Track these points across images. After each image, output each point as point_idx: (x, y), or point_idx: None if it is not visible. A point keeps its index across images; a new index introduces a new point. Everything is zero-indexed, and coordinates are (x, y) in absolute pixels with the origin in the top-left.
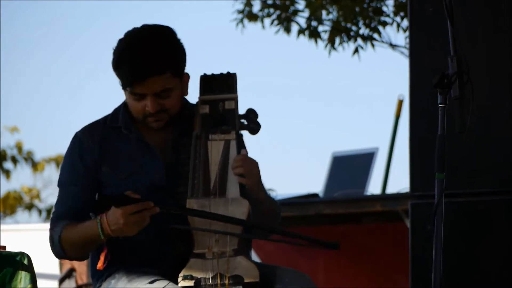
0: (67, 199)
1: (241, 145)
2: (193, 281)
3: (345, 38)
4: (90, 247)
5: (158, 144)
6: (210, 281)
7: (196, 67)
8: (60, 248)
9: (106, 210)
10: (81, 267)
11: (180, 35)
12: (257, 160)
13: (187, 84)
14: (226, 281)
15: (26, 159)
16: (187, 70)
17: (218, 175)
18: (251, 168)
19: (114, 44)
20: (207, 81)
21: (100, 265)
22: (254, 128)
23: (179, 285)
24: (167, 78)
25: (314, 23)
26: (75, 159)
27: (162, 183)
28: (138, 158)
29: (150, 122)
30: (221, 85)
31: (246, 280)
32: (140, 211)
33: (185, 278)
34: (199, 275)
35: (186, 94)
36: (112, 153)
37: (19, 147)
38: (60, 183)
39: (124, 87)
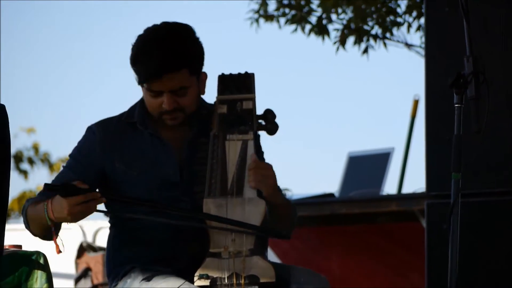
0: (57, 179)
1: (258, 146)
2: (209, 280)
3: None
4: (41, 228)
5: (174, 142)
6: (226, 281)
7: (210, 66)
8: (25, 220)
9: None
10: (97, 267)
11: (198, 29)
12: (272, 161)
13: (205, 83)
14: (242, 281)
15: (42, 161)
16: (204, 69)
17: (235, 175)
18: (265, 174)
19: (132, 42)
20: (225, 81)
21: (57, 251)
22: (272, 128)
23: (195, 284)
24: (184, 76)
25: (324, 21)
26: (81, 148)
27: (176, 180)
28: (152, 154)
29: (166, 119)
30: (239, 85)
31: (262, 280)
32: (86, 201)
33: (201, 277)
34: (214, 274)
35: (203, 93)
36: (125, 149)
37: (35, 148)
38: (64, 165)
39: (140, 83)
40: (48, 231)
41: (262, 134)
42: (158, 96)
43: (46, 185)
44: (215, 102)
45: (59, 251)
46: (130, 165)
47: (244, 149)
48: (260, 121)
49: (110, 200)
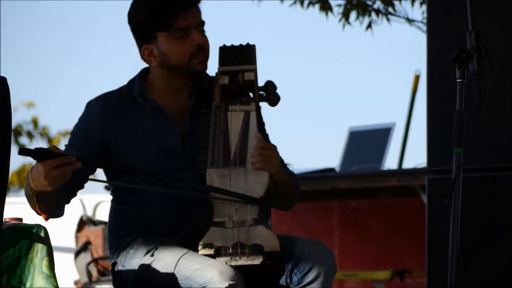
0: None
1: (260, 118)
2: (213, 249)
3: (360, 12)
4: (32, 200)
5: (175, 114)
6: (230, 250)
7: (212, 39)
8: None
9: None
10: (97, 240)
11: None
12: (274, 135)
13: None
14: (247, 250)
15: (42, 135)
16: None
17: (238, 145)
18: (268, 154)
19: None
20: (226, 52)
21: (44, 217)
22: (274, 99)
23: (199, 253)
24: (200, 12)
25: None
26: (82, 124)
27: (179, 149)
28: (153, 125)
29: (195, 63)
30: (240, 56)
31: (266, 250)
32: (62, 165)
33: (205, 246)
34: (218, 243)
35: None
36: (127, 122)
37: (35, 123)
38: (65, 144)
39: (162, 28)
40: (35, 200)
41: (264, 106)
42: (185, 37)
43: (20, 149)
44: (216, 73)
45: (46, 218)
46: (133, 138)
47: (246, 120)
48: (261, 92)
49: (114, 171)
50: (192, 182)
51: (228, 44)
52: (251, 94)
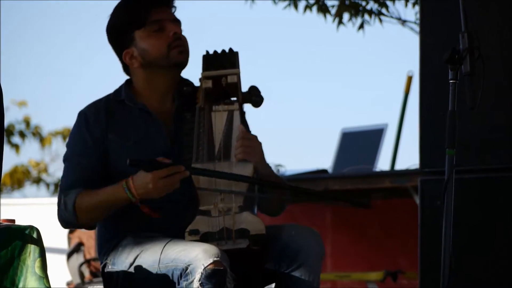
0: (76, 171)
1: (244, 119)
2: (199, 235)
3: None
4: (109, 211)
5: (161, 116)
6: (217, 236)
7: (205, 43)
8: (73, 214)
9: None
10: (89, 241)
11: (189, 11)
12: (266, 136)
13: None
14: (233, 235)
15: (34, 134)
16: (196, 46)
17: (222, 142)
18: (251, 144)
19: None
20: (209, 59)
21: (155, 215)
22: (257, 100)
23: (186, 240)
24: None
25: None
26: (82, 133)
27: (168, 150)
28: (143, 127)
29: (174, 54)
30: (223, 61)
31: (252, 233)
32: (170, 175)
33: (191, 233)
34: (205, 230)
35: None
36: (118, 123)
37: (27, 122)
38: (67, 157)
39: (138, 25)
40: (108, 214)
41: (250, 111)
42: (161, 30)
43: (130, 160)
44: (200, 79)
45: (158, 215)
46: (124, 137)
47: (230, 119)
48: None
49: (110, 176)
50: (204, 170)
51: (211, 51)
52: (234, 99)
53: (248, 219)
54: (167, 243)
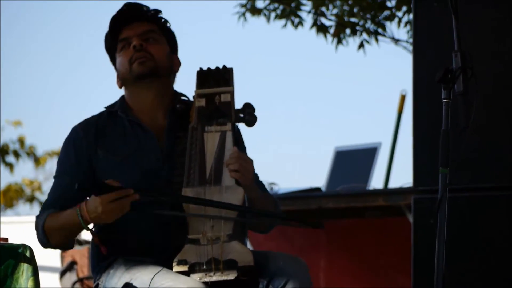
0: (58, 189)
1: (238, 138)
2: (187, 266)
3: (348, 32)
4: (71, 235)
5: (154, 130)
6: (205, 266)
7: (198, 60)
8: (43, 236)
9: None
10: (82, 260)
11: (182, 28)
12: (259, 154)
13: (178, 66)
14: (221, 266)
15: (28, 154)
16: (187, 64)
17: (213, 165)
18: (245, 165)
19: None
20: (203, 75)
21: (103, 250)
22: (251, 120)
23: (174, 270)
24: (153, 28)
25: (321, 18)
26: (68, 149)
27: (159, 165)
28: (134, 140)
29: (135, 67)
30: (217, 79)
31: (240, 265)
32: (119, 198)
33: (179, 263)
34: (193, 260)
35: (176, 70)
36: (108, 137)
37: (21, 142)
38: (55, 174)
39: (114, 46)
40: (73, 237)
41: (244, 129)
42: (127, 47)
43: (78, 184)
44: (193, 97)
45: (105, 251)
46: (114, 152)
47: (222, 140)
48: (239, 114)
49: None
50: (161, 193)
51: (205, 67)
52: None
53: (237, 249)
54: (155, 275)
